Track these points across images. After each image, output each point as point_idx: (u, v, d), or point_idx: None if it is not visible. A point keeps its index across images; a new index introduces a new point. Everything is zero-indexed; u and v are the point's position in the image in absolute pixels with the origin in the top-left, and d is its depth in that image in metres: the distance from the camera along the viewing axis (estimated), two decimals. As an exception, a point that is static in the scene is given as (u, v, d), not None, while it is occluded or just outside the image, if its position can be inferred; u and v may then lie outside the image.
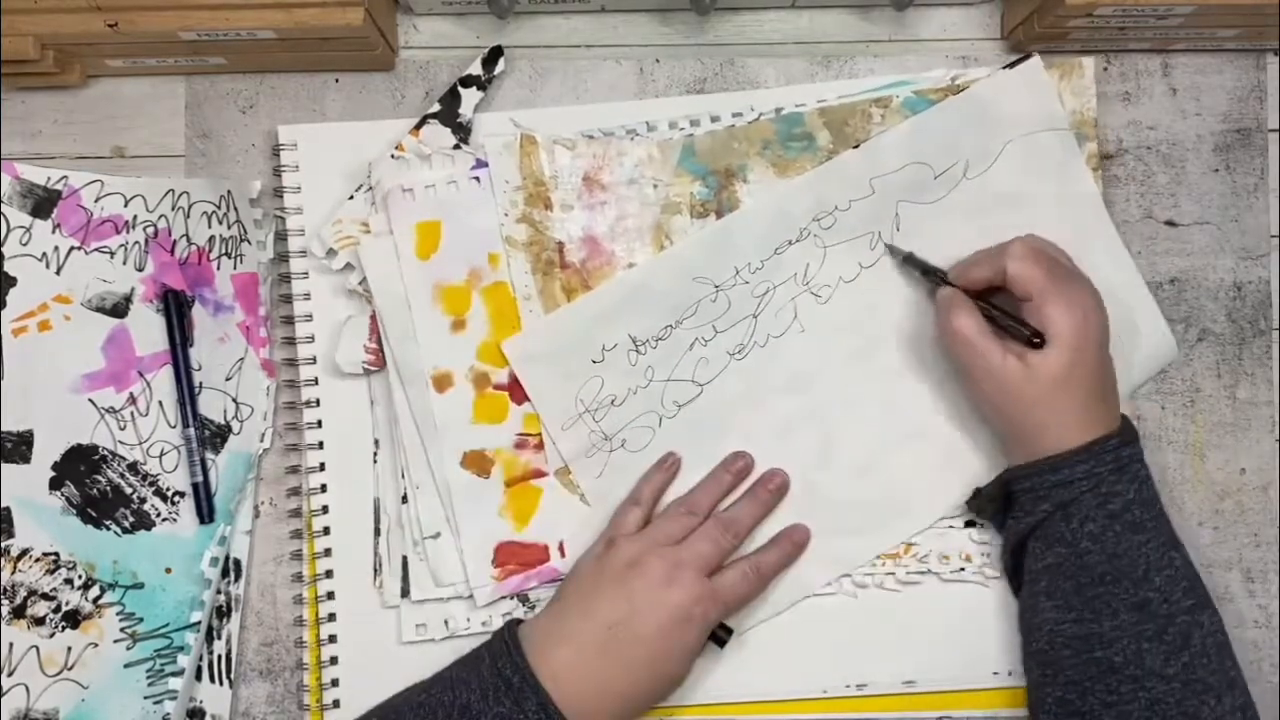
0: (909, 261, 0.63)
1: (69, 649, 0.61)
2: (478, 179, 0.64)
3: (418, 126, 0.64)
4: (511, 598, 0.63)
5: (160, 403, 0.63)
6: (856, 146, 0.64)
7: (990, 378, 0.57)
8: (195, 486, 0.63)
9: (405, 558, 0.63)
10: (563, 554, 0.63)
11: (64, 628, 0.62)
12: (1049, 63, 0.65)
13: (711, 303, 0.64)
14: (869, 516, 0.64)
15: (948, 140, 0.64)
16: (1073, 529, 0.56)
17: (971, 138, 0.64)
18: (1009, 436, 0.60)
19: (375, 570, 0.63)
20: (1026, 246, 0.57)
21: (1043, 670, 0.58)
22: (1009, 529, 0.60)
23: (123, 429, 0.63)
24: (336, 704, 0.63)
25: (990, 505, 0.62)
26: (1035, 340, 0.56)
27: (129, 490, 0.63)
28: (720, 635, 0.60)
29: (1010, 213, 0.64)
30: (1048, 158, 0.64)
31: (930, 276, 0.62)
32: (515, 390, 0.64)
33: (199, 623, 0.62)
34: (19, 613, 0.61)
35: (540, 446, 0.64)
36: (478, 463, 0.63)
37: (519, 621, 0.59)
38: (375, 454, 0.64)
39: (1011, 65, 0.65)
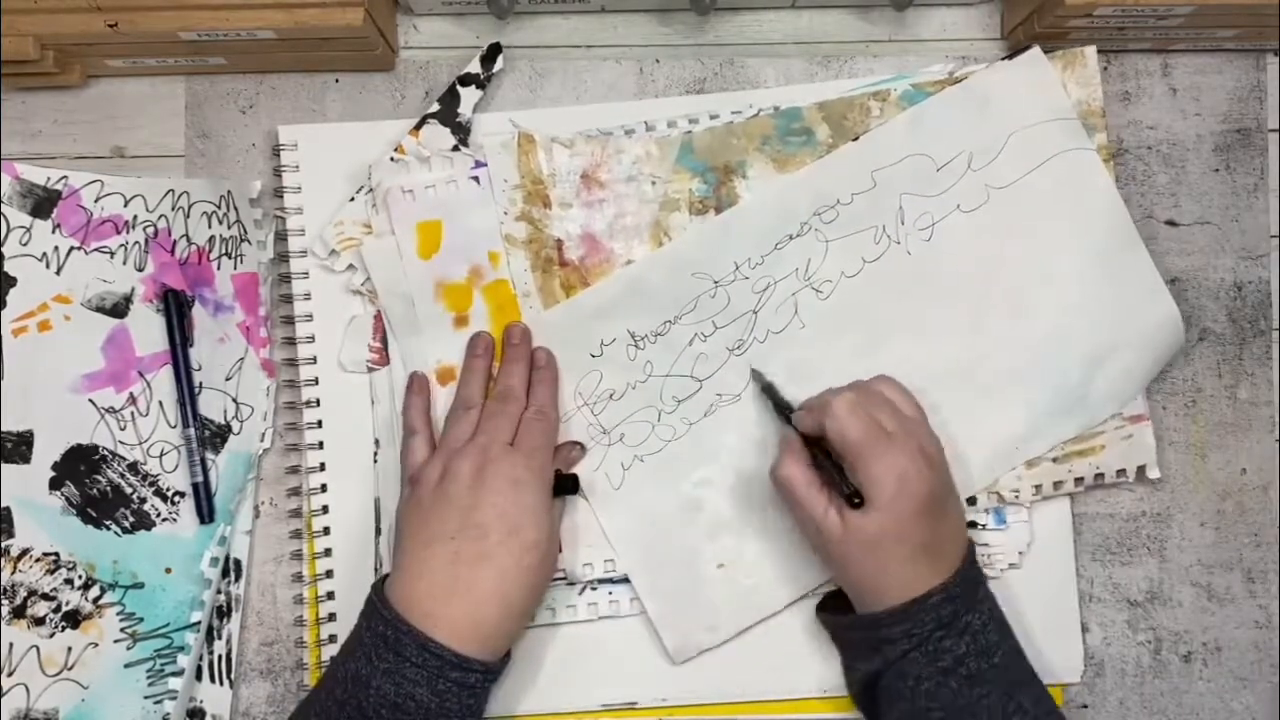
0: (766, 391, 0.62)
1: (69, 649, 0.61)
2: (477, 179, 0.64)
3: (417, 127, 0.64)
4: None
5: (160, 403, 0.63)
6: (856, 139, 0.64)
7: (813, 529, 0.56)
8: (195, 486, 0.63)
9: (405, 557, 0.63)
10: (560, 547, 0.63)
11: (64, 628, 0.62)
12: (1050, 54, 0.64)
13: (710, 298, 0.64)
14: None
15: (948, 132, 0.64)
16: (910, 686, 0.54)
17: (973, 129, 0.64)
18: (841, 586, 0.59)
19: (375, 570, 0.63)
20: (845, 404, 0.55)
21: None
22: (849, 672, 0.59)
23: (123, 429, 0.63)
24: (336, 704, 0.63)
25: (827, 625, 0.61)
26: (855, 500, 0.54)
27: (129, 490, 0.63)
28: (567, 485, 0.61)
29: (1017, 205, 0.63)
30: (1054, 149, 0.64)
31: (779, 412, 0.61)
32: (515, 387, 0.64)
33: (199, 623, 0.62)
34: (19, 613, 0.61)
35: (540, 442, 0.64)
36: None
37: (383, 579, 0.57)
38: (375, 454, 0.64)
39: (1010, 57, 0.65)
